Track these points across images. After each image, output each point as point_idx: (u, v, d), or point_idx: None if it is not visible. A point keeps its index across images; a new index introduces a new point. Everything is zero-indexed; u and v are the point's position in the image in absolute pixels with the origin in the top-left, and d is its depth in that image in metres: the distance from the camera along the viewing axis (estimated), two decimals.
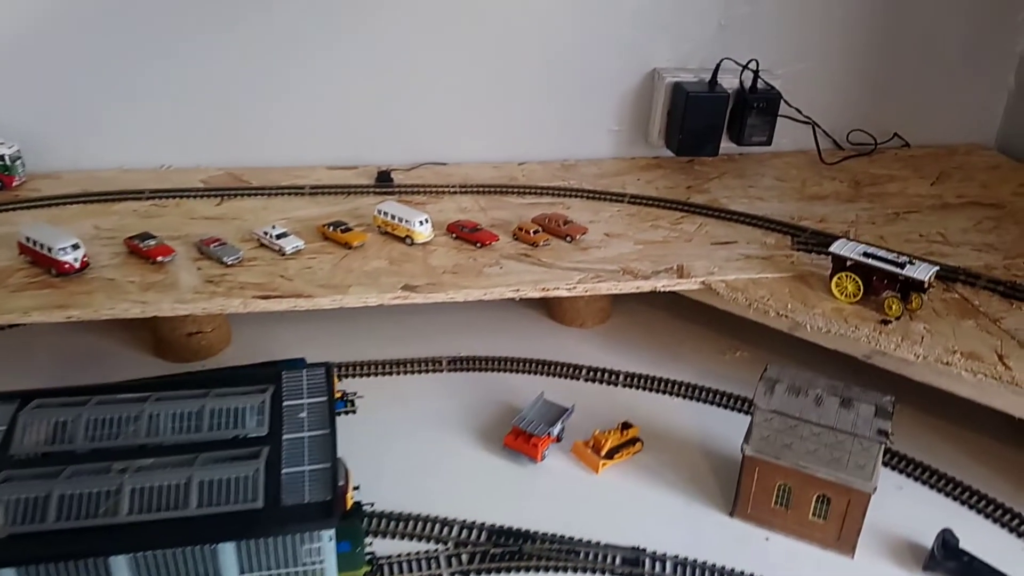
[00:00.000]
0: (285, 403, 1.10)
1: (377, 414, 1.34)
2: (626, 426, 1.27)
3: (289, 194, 1.58)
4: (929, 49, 1.83)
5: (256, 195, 1.57)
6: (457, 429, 1.31)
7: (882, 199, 1.64)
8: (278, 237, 1.38)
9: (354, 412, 1.35)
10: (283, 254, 1.37)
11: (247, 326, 1.52)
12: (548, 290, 1.31)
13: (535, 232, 1.42)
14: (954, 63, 1.86)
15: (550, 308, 1.61)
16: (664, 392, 1.41)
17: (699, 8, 1.72)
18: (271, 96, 1.65)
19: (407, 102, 1.71)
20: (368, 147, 1.71)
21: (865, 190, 1.68)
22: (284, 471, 1.01)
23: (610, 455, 1.23)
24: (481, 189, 1.63)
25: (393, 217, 1.41)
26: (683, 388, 1.41)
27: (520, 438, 1.24)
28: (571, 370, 1.45)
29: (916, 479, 1.24)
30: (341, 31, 1.62)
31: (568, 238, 1.44)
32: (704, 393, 1.40)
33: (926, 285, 1.21)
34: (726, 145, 1.74)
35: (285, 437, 1.05)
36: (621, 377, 1.44)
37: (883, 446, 1.03)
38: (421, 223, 1.40)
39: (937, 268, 1.24)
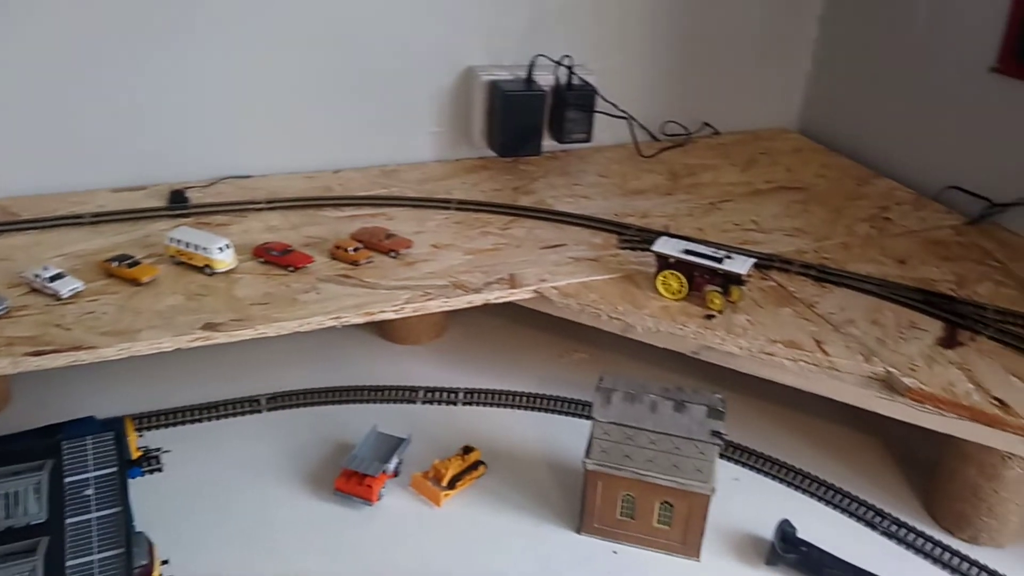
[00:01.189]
0: (67, 479, 0.95)
1: (188, 469, 1.20)
2: (467, 450, 1.21)
3: (66, 225, 1.37)
4: (729, 38, 1.89)
5: (26, 229, 1.36)
6: (282, 476, 1.19)
7: (698, 189, 1.67)
8: (52, 279, 1.19)
9: (160, 470, 1.20)
10: (59, 299, 1.18)
11: (28, 380, 1.31)
12: (373, 314, 1.21)
13: (355, 249, 1.32)
14: (753, 51, 1.93)
15: (380, 327, 1.52)
16: (505, 405, 1.36)
17: (509, 3, 1.68)
18: (40, 110, 1.43)
19: (202, 109, 1.54)
20: (158, 162, 1.53)
21: (682, 181, 1.71)
22: (69, 563, 0.87)
23: (452, 484, 1.16)
24: (292, 204, 1.50)
25: (188, 245, 1.26)
26: (524, 399, 1.37)
27: (352, 479, 1.14)
28: (407, 393, 1.37)
29: (753, 468, 1.27)
30: (122, 32, 1.43)
31: (392, 253, 1.34)
32: (545, 401, 1.37)
33: (744, 278, 1.23)
34: (548, 142, 1.72)
35: (69, 521, 0.91)
36: (460, 395, 1.37)
37: (717, 446, 1.03)
38: (221, 249, 1.25)
39: (754, 260, 1.26)
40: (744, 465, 1.27)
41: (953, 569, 1.10)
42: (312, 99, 1.62)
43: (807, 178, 1.76)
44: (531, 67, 1.65)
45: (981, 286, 1.34)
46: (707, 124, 1.95)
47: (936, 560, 1.11)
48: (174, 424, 1.29)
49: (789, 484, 1.24)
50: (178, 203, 1.46)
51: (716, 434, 1.03)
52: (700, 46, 1.87)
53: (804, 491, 1.22)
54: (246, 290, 1.23)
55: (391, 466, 1.16)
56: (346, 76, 1.62)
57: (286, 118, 1.62)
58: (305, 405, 1.34)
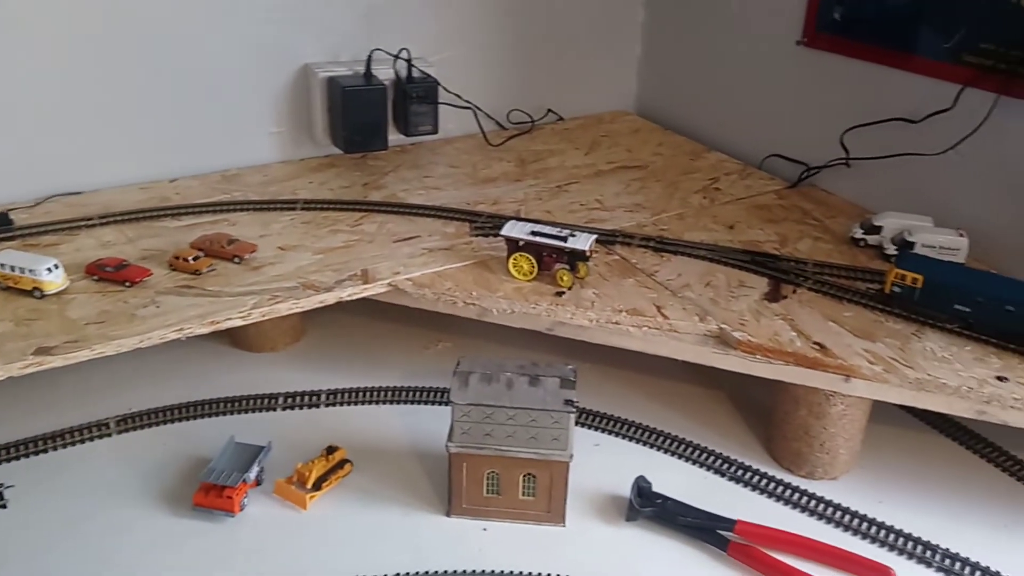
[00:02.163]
0: None
1: (35, 502, 1.13)
2: (331, 450, 1.20)
3: None
4: (564, 27, 1.95)
5: None
6: (138, 499, 1.14)
7: (545, 174, 1.73)
8: None
9: (4, 507, 1.12)
10: None
11: None
12: (219, 323, 1.18)
13: (195, 258, 1.28)
14: (588, 38, 2.00)
15: (234, 337, 1.47)
16: (370, 402, 1.36)
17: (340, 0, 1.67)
18: None
19: (14, 125, 1.44)
20: None
21: (530, 167, 1.76)
22: None
23: (317, 485, 1.15)
24: (126, 217, 1.43)
25: (12, 268, 1.18)
26: (389, 393, 1.37)
27: (211, 493, 1.11)
28: (266, 401, 1.34)
29: (611, 432, 1.33)
30: None
31: (236, 259, 1.31)
32: (410, 393, 1.37)
33: (588, 254, 1.29)
34: (396, 137, 1.72)
35: None
36: (323, 397, 1.36)
37: (571, 414, 1.08)
38: (49, 270, 1.18)
39: (596, 237, 1.32)
40: (603, 431, 1.33)
41: (794, 504, 1.19)
42: (140, 106, 1.55)
43: (645, 156, 1.85)
44: (369, 61, 1.64)
45: (801, 243, 1.46)
46: (551, 111, 2.01)
47: (779, 497, 1.20)
48: (16, 458, 1.20)
49: (645, 443, 1.30)
50: (2, 226, 1.36)
51: (569, 402, 1.08)
52: (537, 35, 1.93)
53: (659, 448, 1.30)
54: (80, 310, 1.17)
55: (252, 475, 1.14)
56: (174, 80, 1.56)
57: (114, 128, 1.54)
58: (158, 424, 1.29)
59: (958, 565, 1.09)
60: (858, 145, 1.55)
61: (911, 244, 1.35)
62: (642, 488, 1.16)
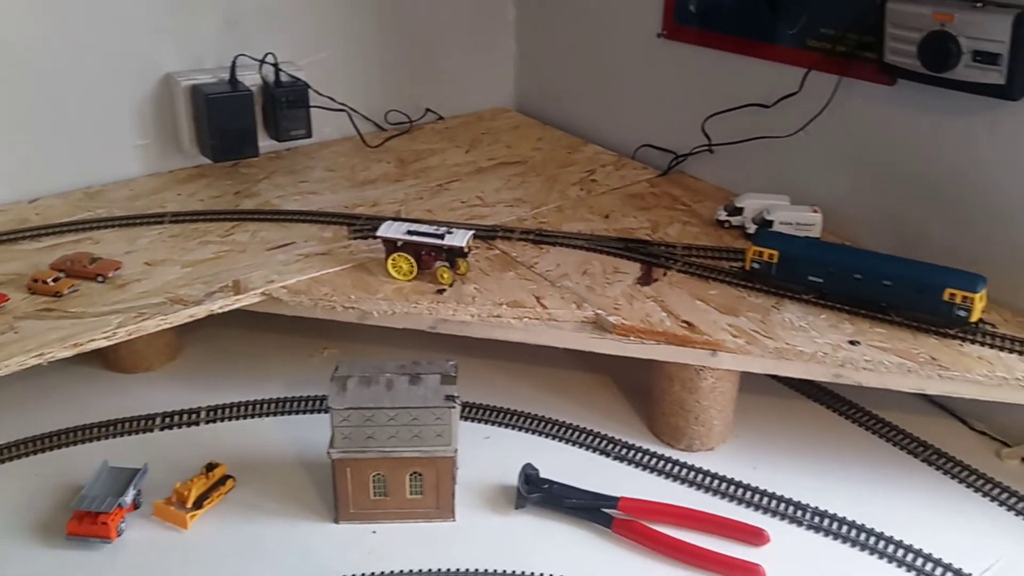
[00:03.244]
0: None
1: None
2: (211, 467, 1.17)
3: None
4: (435, 25, 1.96)
5: None
6: (7, 534, 1.09)
7: (426, 173, 1.73)
8: None
9: None
10: None
11: None
12: (82, 344, 1.13)
13: (55, 280, 1.22)
14: (462, 36, 2.02)
15: (106, 359, 1.41)
16: (252, 416, 1.33)
17: (201, 7, 1.62)
18: None
19: None
20: None
21: (410, 167, 1.76)
22: None
23: (199, 504, 1.12)
24: None
25: None
26: (272, 405, 1.35)
27: (85, 520, 1.06)
28: (142, 423, 1.30)
29: (501, 424, 1.35)
30: None
31: (99, 278, 1.26)
32: (294, 404, 1.35)
33: (466, 250, 1.31)
34: (268, 143, 1.69)
35: None
36: (203, 414, 1.32)
37: (453, 409, 1.09)
38: None
39: (472, 232, 1.33)
40: (492, 423, 1.35)
41: (675, 476, 1.24)
42: None
43: (525, 152, 1.88)
44: (233, 68, 1.61)
45: (671, 228, 1.52)
46: (430, 110, 2.02)
47: (660, 472, 1.25)
48: None
49: (533, 432, 1.33)
50: None
51: (450, 398, 1.09)
52: (409, 36, 1.93)
53: (547, 435, 1.32)
54: None
55: (128, 499, 1.10)
56: (29, 96, 1.49)
57: None
58: (28, 455, 1.23)
59: (826, 522, 1.16)
60: (719, 131, 1.62)
61: (770, 223, 1.42)
62: (529, 475, 1.18)
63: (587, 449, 1.30)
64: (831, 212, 1.44)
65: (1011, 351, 1.16)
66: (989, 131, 1.25)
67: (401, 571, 1.06)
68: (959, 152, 1.29)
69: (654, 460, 1.27)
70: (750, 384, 1.34)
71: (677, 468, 1.25)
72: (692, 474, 1.24)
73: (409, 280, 1.32)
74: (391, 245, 1.32)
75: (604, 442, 1.30)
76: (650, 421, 1.34)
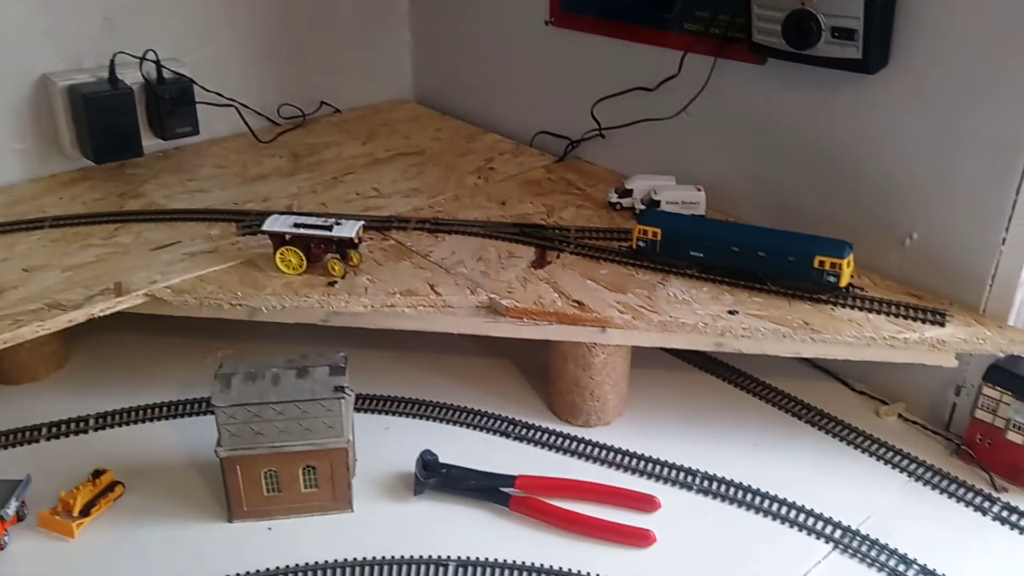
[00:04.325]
0: None
1: None
2: (98, 474, 1.14)
3: None
4: (326, 16, 1.94)
5: None
6: None
7: (321, 167, 1.72)
8: None
9: None
10: None
11: None
12: None
13: None
14: (353, 26, 2.00)
15: None
16: (143, 420, 1.30)
17: (77, 5, 1.57)
18: None
19: None
20: None
21: (304, 161, 1.74)
22: None
23: (86, 512, 1.09)
24: None
25: None
26: (163, 409, 1.32)
27: None
28: (27, 434, 1.25)
29: (401, 414, 1.35)
30: None
31: None
32: (186, 406, 1.32)
33: (356, 240, 1.30)
34: (154, 143, 1.64)
35: None
36: (91, 422, 1.28)
37: (344, 400, 1.09)
38: None
39: (362, 223, 1.33)
40: (392, 413, 1.35)
41: (573, 452, 1.27)
42: None
43: (423, 142, 1.88)
44: (112, 66, 1.56)
45: (566, 212, 1.55)
46: (325, 103, 2.00)
47: (559, 448, 1.28)
48: None
49: (434, 419, 1.34)
50: None
51: (339, 388, 1.08)
52: (299, 28, 1.91)
53: (448, 421, 1.33)
54: None
55: (10, 511, 1.06)
56: None
57: None
58: None
59: (715, 485, 1.20)
60: (609, 116, 1.66)
61: (658, 203, 1.46)
62: (427, 461, 1.19)
63: (487, 432, 1.31)
64: (715, 190, 1.49)
65: (879, 312, 1.22)
66: (852, 104, 1.31)
67: (297, 565, 1.06)
68: (826, 126, 1.36)
69: (553, 438, 1.30)
70: (644, 359, 1.38)
71: (575, 444, 1.28)
72: (589, 448, 1.27)
73: (299, 274, 1.31)
74: (278, 239, 1.31)
75: (504, 424, 1.32)
76: (549, 401, 1.37)
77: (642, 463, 1.24)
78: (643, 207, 1.48)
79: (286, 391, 1.07)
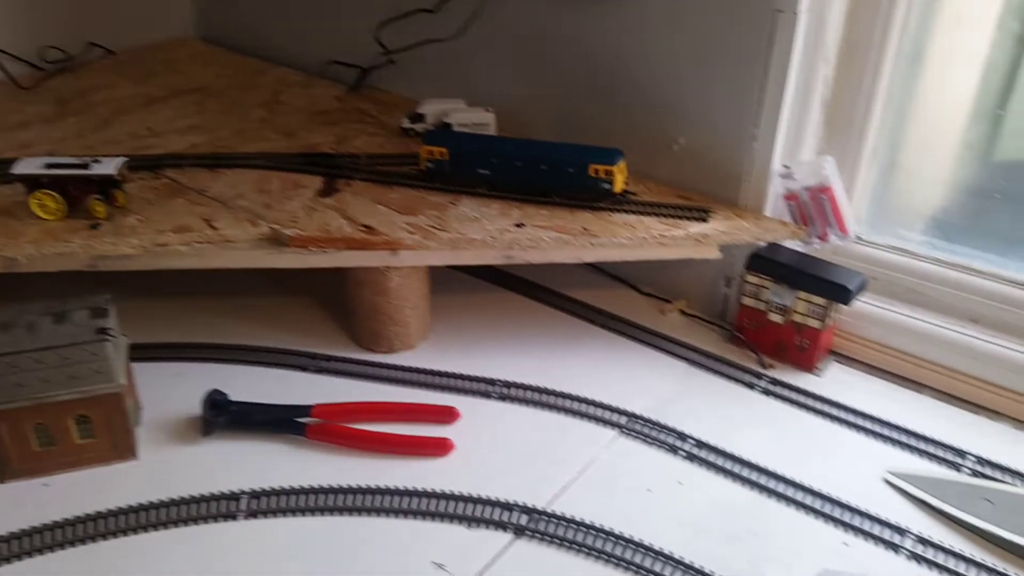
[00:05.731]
0: None
1: None
2: None
3: None
4: None
5: None
6: None
7: (90, 110, 1.58)
8: None
9: None
10: None
11: None
12: None
13: None
14: None
15: None
16: None
17: None
18: None
19: None
20: None
21: (71, 106, 1.59)
22: None
23: None
24: None
25: None
26: None
27: None
28: None
29: (194, 360, 1.28)
30: None
31: None
32: None
33: (118, 178, 1.21)
34: None
35: None
36: None
37: (108, 343, 1.02)
38: None
39: (124, 160, 1.24)
40: (185, 360, 1.29)
41: (375, 378, 1.26)
42: None
43: (205, 80, 1.77)
44: None
45: (358, 140, 1.52)
46: (96, 44, 1.83)
47: (361, 376, 1.27)
48: None
49: (230, 362, 1.29)
50: None
51: (103, 331, 1.02)
52: None
53: (244, 363, 1.29)
54: None
55: None
56: None
57: None
58: None
59: (513, 390, 1.24)
60: (396, 41, 1.63)
61: (449, 126, 1.47)
62: (216, 400, 1.15)
63: (286, 368, 1.28)
64: (505, 110, 1.50)
65: (651, 215, 1.29)
66: (618, 18, 1.36)
67: (76, 517, 1.00)
68: (597, 41, 1.40)
69: (354, 366, 1.29)
70: (446, 283, 1.40)
71: (377, 370, 1.28)
72: (392, 372, 1.28)
73: (59, 219, 1.21)
74: (32, 183, 1.19)
75: (303, 359, 1.30)
76: (352, 332, 1.36)
77: (444, 379, 1.26)
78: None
79: (42, 338, 0.99)
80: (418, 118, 1.51)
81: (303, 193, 1.33)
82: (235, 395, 1.17)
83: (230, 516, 1.02)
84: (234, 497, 1.04)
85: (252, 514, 1.03)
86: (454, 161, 1.32)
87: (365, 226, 1.25)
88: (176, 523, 1.01)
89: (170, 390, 1.22)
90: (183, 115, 1.58)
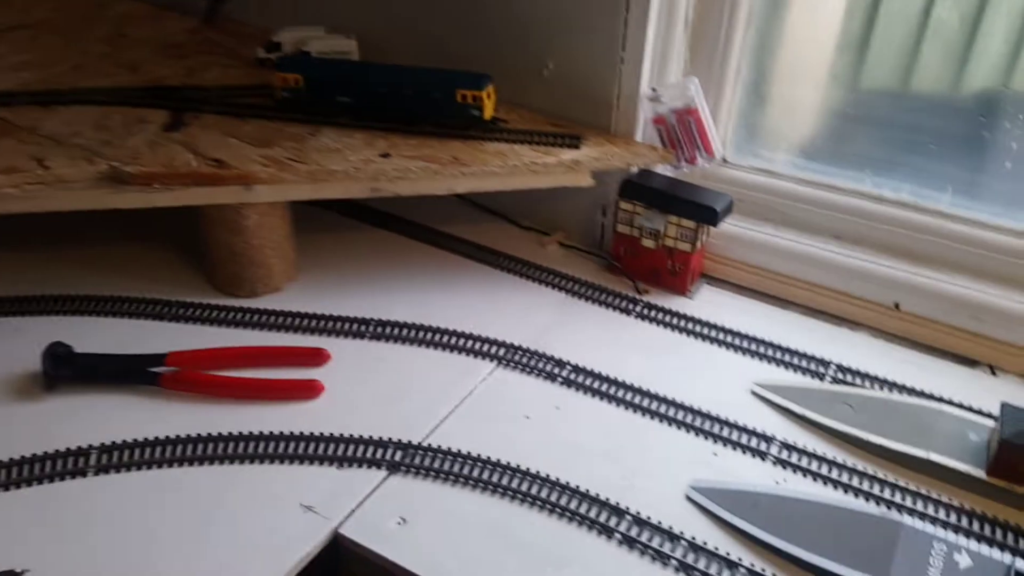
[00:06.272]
0: None
1: None
2: None
3: None
4: None
5: None
6: None
7: None
8: None
9: None
10: None
11: None
12: None
13: None
14: None
15: None
16: None
17: None
18: None
19: None
20: None
21: None
22: None
23: None
24: None
25: None
26: None
27: None
28: None
29: (34, 314, 1.18)
30: None
31: None
32: None
33: None
34: None
35: None
36: None
37: None
38: None
39: None
40: (25, 314, 1.17)
41: (237, 323, 1.19)
42: None
43: (41, 14, 1.60)
44: None
45: (209, 72, 1.41)
46: None
47: (222, 322, 1.19)
48: None
49: (75, 313, 1.19)
50: None
51: None
52: None
53: (91, 313, 1.19)
54: None
55: None
56: None
57: None
58: None
59: (388, 329, 1.20)
60: None
61: (308, 54, 1.38)
62: (58, 354, 1.05)
63: (139, 318, 1.20)
64: (368, 37, 1.42)
65: (523, 143, 1.26)
66: None
67: None
68: None
69: (214, 312, 1.21)
70: (315, 222, 1.33)
71: (239, 315, 1.21)
72: (255, 317, 1.21)
73: None
74: None
75: (157, 307, 1.21)
76: (210, 276, 1.27)
77: (313, 321, 1.20)
78: None
79: None
80: (274, 47, 1.42)
81: (147, 128, 1.22)
82: (83, 348, 1.08)
83: (79, 473, 0.95)
84: (83, 453, 0.96)
85: (103, 469, 0.95)
86: (311, 89, 1.25)
87: (215, 160, 1.16)
88: (18, 484, 0.93)
89: (9, 347, 1.11)
90: (15, 51, 1.43)
